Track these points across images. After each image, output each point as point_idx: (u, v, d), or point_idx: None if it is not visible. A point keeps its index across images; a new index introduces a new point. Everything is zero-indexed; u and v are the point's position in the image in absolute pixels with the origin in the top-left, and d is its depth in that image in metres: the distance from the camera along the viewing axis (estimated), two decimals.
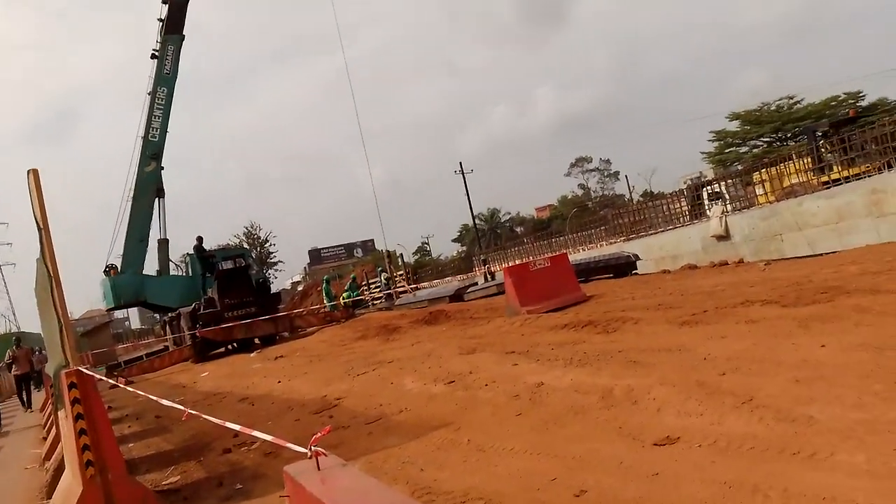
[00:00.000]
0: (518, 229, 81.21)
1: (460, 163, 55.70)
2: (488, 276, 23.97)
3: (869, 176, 15.42)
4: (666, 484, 3.35)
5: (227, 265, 22.92)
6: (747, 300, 7.90)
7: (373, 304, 29.69)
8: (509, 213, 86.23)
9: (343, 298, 27.33)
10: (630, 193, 69.92)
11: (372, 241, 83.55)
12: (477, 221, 63.71)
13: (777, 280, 9.58)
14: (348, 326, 18.90)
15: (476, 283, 23.08)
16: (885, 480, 2.86)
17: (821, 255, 14.25)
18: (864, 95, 46.37)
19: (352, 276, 35.42)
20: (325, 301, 27.42)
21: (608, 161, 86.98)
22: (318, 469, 1.99)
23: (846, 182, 15.97)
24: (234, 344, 21.52)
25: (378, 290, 31.56)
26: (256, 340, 21.24)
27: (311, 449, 2.05)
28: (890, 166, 15.33)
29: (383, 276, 32.64)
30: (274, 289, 28.88)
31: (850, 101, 45.28)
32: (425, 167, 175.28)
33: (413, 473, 4.39)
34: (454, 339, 10.68)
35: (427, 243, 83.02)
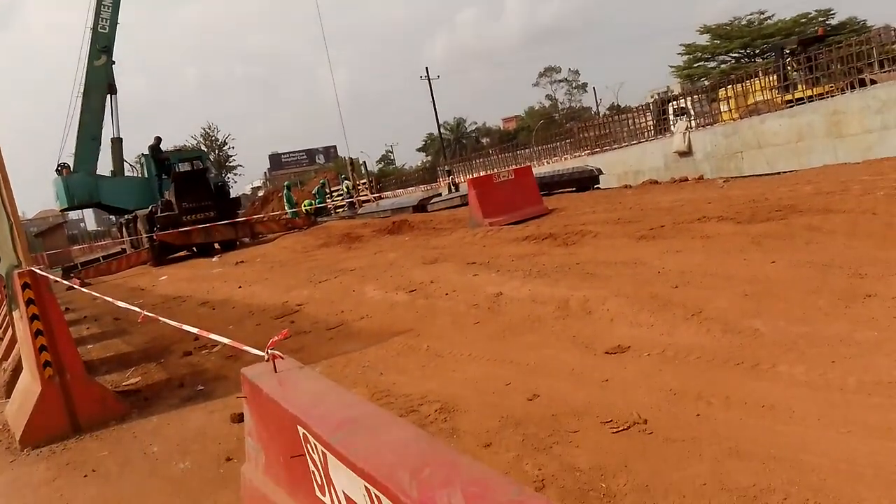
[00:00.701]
0: (484, 140, 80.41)
1: (426, 68, 54.11)
2: (452, 188, 23.86)
3: (832, 97, 15.53)
4: (614, 390, 3.49)
5: (184, 167, 22.31)
6: (704, 216, 8.05)
7: (335, 213, 29.48)
8: (476, 124, 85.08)
9: (304, 206, 27.03)
10: (597, 107, 69.46)
11: (335, 147, 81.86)
12: (442, 131, 62.76)
13: (734, 197, 9.74)
14: (310, 234, 18.80)
15: (440, 194, 23.01)
16: (821, 391, 3.03)
17: (778, 173, 14.50)
18: (834, 13, 46.05)
19: (321, 181, 34.89)
20: (286, 208, 27.09)
21: (577, 72, 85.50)
22: (275, 371, 2.00)
23: (809, 102, 16.07)
24: (194, 248, 21.28)
25: (341, 198, 31.25)
26: (216, 245, 21.03)
27: (268, 352, 2.06)
28: (853, 87, 15.44)
29: (346, 183, 32.26)
30: (233, 193, 28.34)
31: (821, 19, 44.99)
32: (391, 73, 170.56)
33: (373, 377, 4.50)
34: (416, 250, 10.72)
35: (391, 152, 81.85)
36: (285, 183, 32.89)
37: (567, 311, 5.15)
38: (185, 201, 20.52)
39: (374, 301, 7.01)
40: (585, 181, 18.72)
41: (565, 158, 25.64)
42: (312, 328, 6.41)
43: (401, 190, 30.98)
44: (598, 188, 18.67)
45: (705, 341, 3.96)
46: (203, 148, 57.01)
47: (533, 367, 4.11)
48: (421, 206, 19.81)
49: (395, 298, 6.88)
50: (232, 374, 5.22)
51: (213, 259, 18.31)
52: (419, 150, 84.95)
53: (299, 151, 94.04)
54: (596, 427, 3.08)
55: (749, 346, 3.72)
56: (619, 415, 3.13)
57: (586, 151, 24.33)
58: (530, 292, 5.87)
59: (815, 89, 16.62)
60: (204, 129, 65.46)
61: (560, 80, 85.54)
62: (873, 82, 15.24)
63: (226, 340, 2.63)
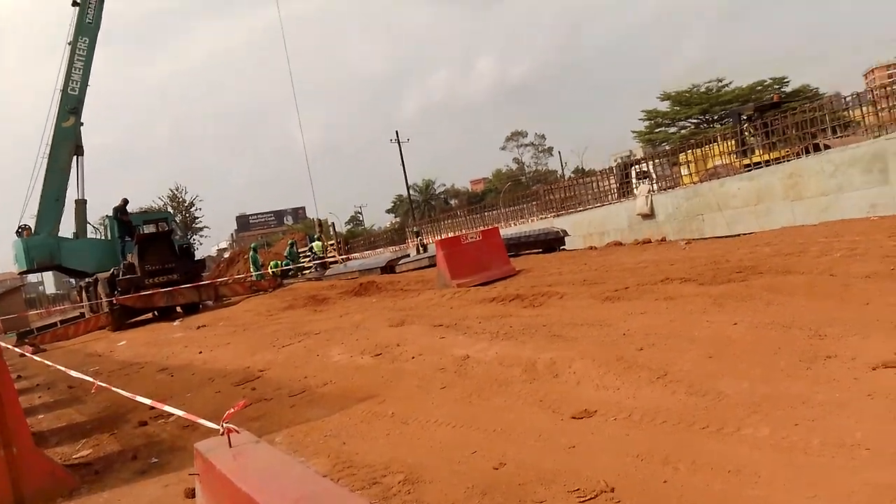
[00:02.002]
0: (452, 201, 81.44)
1: (396, 132, 55.14)
2: (420, 249, 23.97)
3: (788, 160, 16.13)
4: (582, 456, 3.44)
5: (149, 229, 22.02)
6: (667, 277, 8.17)
7: (302, 274, 29.25)
8: (444, 185, 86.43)
9: (271, 267, 26.78)
10: (563, 169, 71.11)
11: (303, 208, 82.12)
12: (411, 192, 63.42)
13: (696, 259, 9.94)
14: (275, 296, 18.57)
15: (408, 255, 23.04)
16: (785, 453, 3.02)
17: (738, 235, 14.88)
18: (788, 81, 48.48)
19: (290, 241, 34.69)
20: (251, 269, 26.78)
21: (543, 136, 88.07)
22: (230, 446, 1.93)
23: (766, 165, 16.66)
24: (155, 312, 20.79)
25: (308, 259, 31.08)
26: (178, 309, 20.58)
27: (223, 425, 1.99)
28: (808, 152, 16.07)
29: (315, 244, 32.17)
30: (199, 255, 27.99)
31: (776, 87, 47.28)
32: (362, 134, 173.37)
33: (335, 446, 4.36)
34: (384, 311, 10.65)
35: (360, 213, 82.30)
36: (252, 244, 32.63)
37: (534, 374, 5.12)
38: (148, 264, 20.15)
39: (339, 365, 6.88)
40: (552, 242, 18.98)
41: (532, 220, 26.02)
42: (274, 395, 6.24)
43: (369, 251, 30.98)
44: (564, 249, 18.92)
45: (671, 404, 3.95)
46: (169, 209, 56.62)
47: (500, 433, 4.04)
48: (389, 267, 19.79)
49: (360, 362, 6.77)
50: (189, 445, 4.99)
51: (175, 323, 17.90)
52: (388, 211, 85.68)
53: (267, 213, 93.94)
54: (563, 496, 3.01)
55: (714, 409, 3.72)
56: (586, 483, 3.07)
57: (552, 213, 24.74)
58: (497, 355, 5.83)
59: (772, 153, 17.26)
60: (171, 191, 65.18)
61: (527, 144, 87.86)
62: (827, 147, 15.89)
63: (180, 413, 2.54)
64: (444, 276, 11.71)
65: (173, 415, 5.93)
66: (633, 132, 55.78)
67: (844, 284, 6.25)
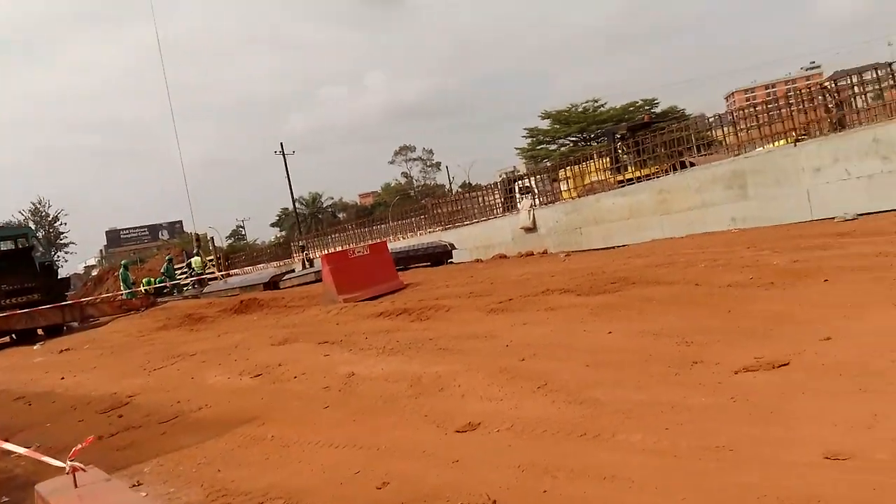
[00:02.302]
0: (341, 215, 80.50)
1: (281, 143, 53.81)
2: (307, 263, 23.44)
3: (658, 177, 17.18)
4: (466, 470, 3.42)
5: (7, 246, 20.15)
6: (548, 289, 8.42)
7: (179, 292, 27.77)
8: (332, 199, 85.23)
9: (143, 285, 25.23)
10: (450, 184, 72.21)
11: (180, 222, 78.15)
12: (297, 206, 62.05)
13: (575, 270, 10.33)
14: (148, 316, 17.46)
15: (293, 270, 22.46)
16: (657, 457, 3.14)
17: (614, 247, 15.66)
18: (658, 102, 52.01)
19: (167, 256, 32.84)
20: (122, 288, 25.11)
21: (431, 151, 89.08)
22: (76, 486, 1.73)
23: (638, 182, 17.66)
24: (13, 335, 18.98)
25: (186, 276, 29.56)
26: (40, 331, 18.90)
27: (68, 464, 1.79)
28: (675, 169, 17.18)
29: (193, 260, 30.66)
30: (63, 273, 25.91)
31: (646, 108, 50.53)
32: (247, 147, 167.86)
33: (209, 474, 4.10)
34: (266, 329, 10.28)
35: (242, 227, 79.52)
36: (122, 262, 30.63)
37: (420, 389, 5.08)
38: (5, 283, 18.39)
39: (216, 388, 6.53)
40: (440, 255, 19.13)
41: (420, 233, 26.16)
42: (144, 422, 5.81)
43: (252, 266, 29.94)
44: (452, 262, 19.12)
45: (551, 413, 4.03)
46: (31, 224, 52.16)
47: (385, 451, 3.95)
48: (273, 283, 19.18)
49: (239, 384, 6.46)
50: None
51: (35, 347, 16.39)
52: (273, 224, 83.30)
53: (141, 227, 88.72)
54: None
55: (591, 416, 3.83)
56: (468, 497, 3.05)
57: (440, 227, 24.99)
58: (384, 371, 5.75)
59: (643, 170, 18.31)
60: (33, 204, 60.16)
61: (415, 159, 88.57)
62: (692, 164, 17.06)
63: (21, 450, 2.27)
64: (331, 292, 11.47)
65: (31, 447, 5.41)
66: (517, 149, 57.72)
67: (709, 293, 6.68)
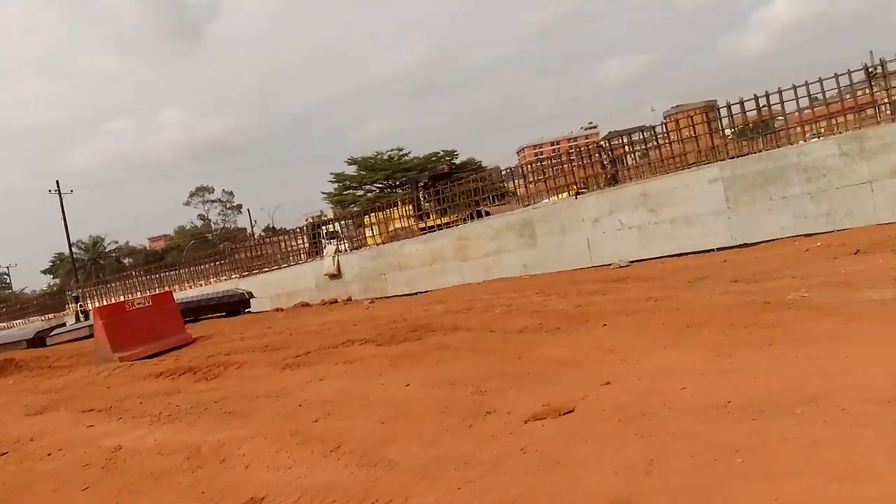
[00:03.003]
0: (127, 261, 73.65)
1: (56, 181, 48.20)
2: (81, 316, 20.86)
3: (457, 225, 17.82)
4: None
5: None
6: (349, 339, 8.17)
7: None
8: (117, 242, 77.72)
9: None
10: (252, 228, 69.54)
11: None
12: (76, 250, 55.69)
13: (378, 318, 10.20)
14: None
15: (65, 324, 19.87)
16: None
17: (417, 293, 15.85)
18: (457, 154, 54.84)
19: None
20: None
21: (231, 193, 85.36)
22: None
23: (440, 229, 18.18)
24: None
25: None
26: None
27: None
28: (473, 217, 17.95)
29: None
30: None
31: (447, 158, 53.02)
32: (17, 186, 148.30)
33: None
34: (21, 396, 8.82)
35: (7, 274, 69.59)
36: None
37: (198, 461, 4.52)
38: None
39: None
40: (236, 305, 18.07)
41: (216, 281, 24.58)
42: None
43: (16, 320, 26.07)
44: (250, 312, 18.15)
45: (343, 478, 3.74)
46: None
47: None
48: (38, 339, 16.77)
49: None
50: None
51: None
52: (45, 271, 73.89)
53: None
54: None
55: (384, 479, 3.60)
56: None
57: (238, 274, 23.69)
58: (156, 442, 5.08)
59: (443, 218, 18.91)
60: None
61: (214, 200, 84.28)
62: (488, 213, 17.95)
63: None
64: (105, 349, 10.19)
65: None
66: (324, 193, 57.29)
67: (503, 339, 6.85)
